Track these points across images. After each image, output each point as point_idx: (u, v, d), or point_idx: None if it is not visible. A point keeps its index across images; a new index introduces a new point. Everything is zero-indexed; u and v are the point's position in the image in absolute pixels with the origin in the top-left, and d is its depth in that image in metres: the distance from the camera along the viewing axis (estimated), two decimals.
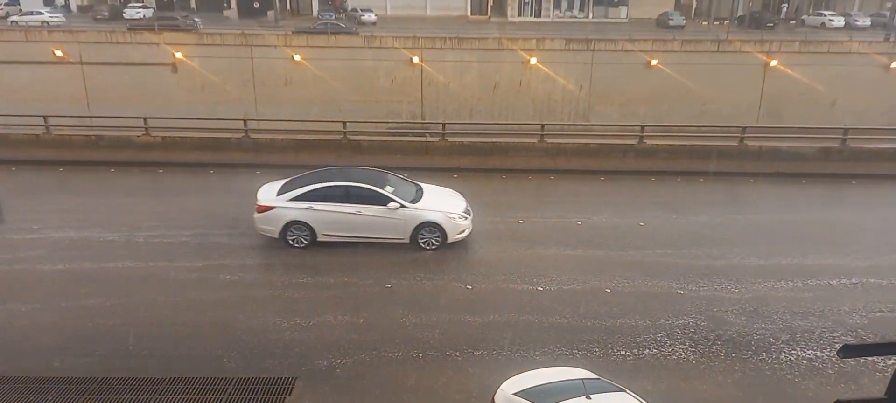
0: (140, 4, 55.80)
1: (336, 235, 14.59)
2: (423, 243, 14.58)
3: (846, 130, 22.19)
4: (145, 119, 22.61)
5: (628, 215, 17.06)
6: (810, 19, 55.51)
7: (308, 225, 14.43)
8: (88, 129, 23.56)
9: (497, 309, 12.30)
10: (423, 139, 22.86)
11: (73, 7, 58.28)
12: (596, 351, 11.08)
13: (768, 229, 16.39)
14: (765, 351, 11.13)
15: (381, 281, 13.33)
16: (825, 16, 54.69)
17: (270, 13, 55.99)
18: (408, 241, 14.55)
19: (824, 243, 15.47)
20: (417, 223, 14.42)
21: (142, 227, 15.74)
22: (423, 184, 15.69)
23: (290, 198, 14.45)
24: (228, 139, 22.36)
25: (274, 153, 21.74)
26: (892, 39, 44.20)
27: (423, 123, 38.95)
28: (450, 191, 16.00)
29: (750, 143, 22.09)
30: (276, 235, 14.55)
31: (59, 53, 40.96)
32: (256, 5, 58.95)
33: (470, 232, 14.97)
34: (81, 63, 41.58)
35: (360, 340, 11.24)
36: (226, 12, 59.06)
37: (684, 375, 10.54)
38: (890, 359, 10.50)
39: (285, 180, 15.35)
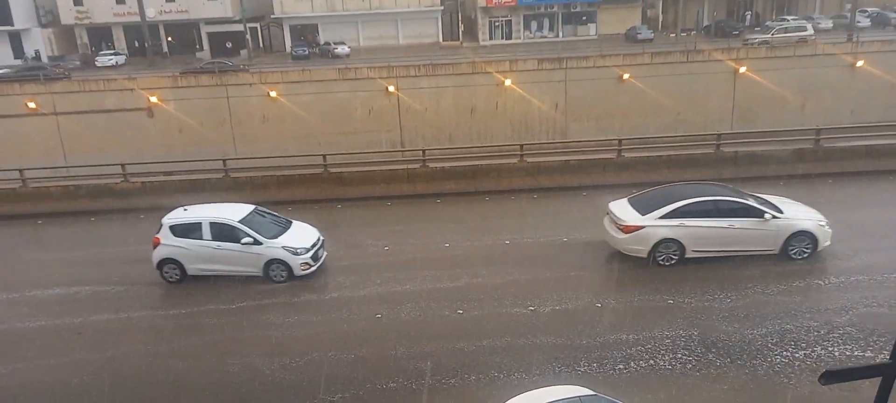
0: (111, 52, 55.51)
1: (705, 251, 14.46)
2: (794, 253, 14.41)
3: (819, 131, 22.65)
4: (123, 165, 22.40)
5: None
6: (774, 25, 56.85)
7: (678, 242, 14.32)
8: (65, 180, 23.28)
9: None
10: (405, 167, 22.90)
11: (44, 58, 57.79)
12: (593, 367, 11.09)
13: None
14: (758, 357, 11.22)
15: None
16: (788, 21, 56.06)
17: (243, 52, 56.06)
18: (777, 253, 14.41)
19: None
20: (790, 233, 14.30)
21: (128, 277, 15.51)
22: (769, 197, 15.53)
23: (660, 216, 14.36)
24: (208, 179, 22.21)
25: (255, 191, 21.61)
26: (855, 40, 45.39)
27: (403, 151, 39.07)
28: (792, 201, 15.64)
29: (726, 150, 22.45)
30: (644, 255, 14.43)
31: (32, 105, 40.53)
32: (229, 46, 58.97)
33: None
34: (55, 113, 41.17)
35: None
36: (198, 54, 58.97)
37: (681, 385, 10.59)
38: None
39: (631, 197, 15.47)
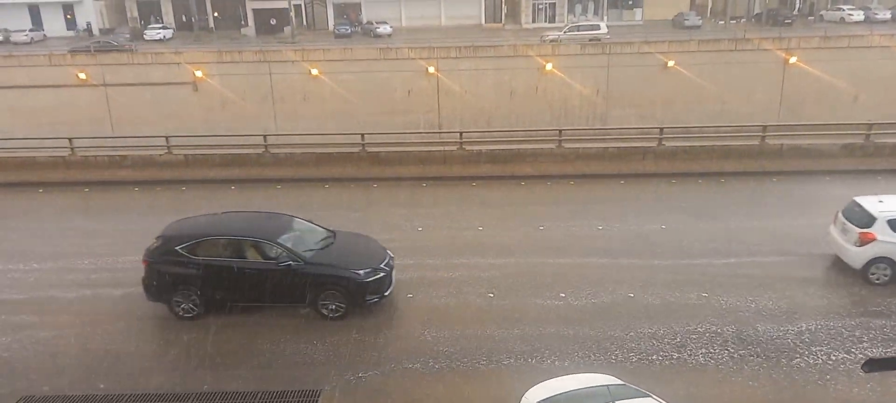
0: (160, 26, 56.75)
1: None
2: None
3: (870, 125, 21.83)
4: (167, 138, 23.00)
5: (650, 219, 16.91)
6: (829, 14, 54.76)
7: None
8: (112, 150, 23.99)
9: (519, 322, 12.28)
10: (442, 148, 22.92)
11: (95, 30, 59.49)
12: (630, 359, 11.02)
13: (794, 232, 15.93)
14: (797, 357, 10.97)
15: None
16: (844, 10, 53.90)
17: (287, 29, 56.65)
18: None
19: None
20: None
21: None
22: None
23: None
24: (249, 155, 22.63)
25: (294, 167, 21.96)
26: None
27: (440, 133, 39.03)
28: None
29: (771, 142, 21.82)
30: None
31: (82, 76, 41.81)
32: (273, 22, 59.66)
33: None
34: (104, 85, 42.40)
35: None
36: (243, 30, 59.86)
37: (713, 380, 10.44)
38: None
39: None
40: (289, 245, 12.25)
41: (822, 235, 14.71)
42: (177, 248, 12.17)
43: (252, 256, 12.23)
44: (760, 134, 22.19)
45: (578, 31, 47.20)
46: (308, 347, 11.56)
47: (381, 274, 12.31)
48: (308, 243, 12.60)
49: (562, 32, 46.97)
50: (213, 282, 12.12)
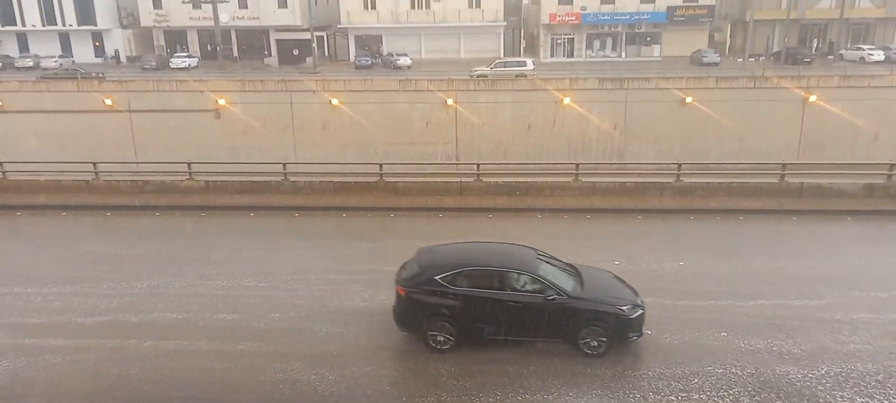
0: (185, 54, 58.09)
1: None
2: None
3: (892, 165, 21.59)
4: (189, 164, 23.38)
5: (669, 256, 16.77)
6: (849, 54, 54.61)
7: None
8: (135, 175, 24.43)
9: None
10: (459, 180, 23.04)
11: (123, 58, 61.03)
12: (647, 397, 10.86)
13: (819, 273, 15.61)
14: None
15: None
16: (864, 50, 53.74)
17: (309, 60, 57.69)
18: None
19: (881, 284, 14.86)
20: None
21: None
22: None
23: None
24: (268, 182, 22.91)
25: (312, 195, 22.17)
26: None
27: (458, 164, 39.26)
28: None
29: (791, 180, 21.66)
30: None
31: (108, 102, 42.82)
32: (296, 53, 60.80)
33: None
34: (129, 111, 43.36)
35: None
36: (266, 60, 61.05)
37: None
38: None
39: None
40: (549, 278, 12.09)
41: (846, 276, 14.45)
42: (437, 278, 12.02)
43: (515, 288, 12.02)
44: (780, 172, 22.04)
45: (506, 67, 48.21)
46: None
47: (641, 311, 12.09)
48: (562, 276, 12.44)
49: (489, 68, 47.72)
50: (474, 314, 11.90)
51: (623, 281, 13.02)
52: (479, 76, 46.31)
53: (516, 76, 46.07)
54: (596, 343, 11.80)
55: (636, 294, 12.49)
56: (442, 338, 12.01)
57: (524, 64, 48.81)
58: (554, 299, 11.76)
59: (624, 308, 11.89)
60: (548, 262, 12.73)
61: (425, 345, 12.13)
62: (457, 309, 11.87)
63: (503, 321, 11.91)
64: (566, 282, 12.21)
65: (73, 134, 42.78)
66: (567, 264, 13.23)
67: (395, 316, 12.34)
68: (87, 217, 21.19)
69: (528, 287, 11.94)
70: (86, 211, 21.62)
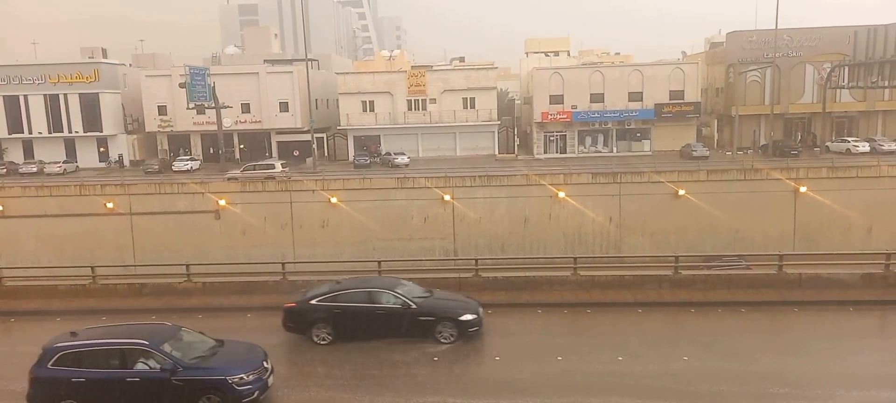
0: (188, 157, 59.28)
1: None
2: None
3: (889, 255, 21.73)
4: (187, 266, 23.39)
5: (672, 353, 16.51)
6: (834, 146, 56.01)
7: None
8: (133, 278, 24.40)
9: None
10: (457, 275, 23.03)
11: (126, 162, 62.23)
12: None
13: (826, 371, 15.28)
14: None
15: None
16: (849, 142, 55.18)
17: (309, 160, 58.89)
18: None
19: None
20: None
21: None
22: None
23: None
24: (266, 282, 22.85)
25: None
26: None
27: (456, 259, 39.32)
28: None
29: (789, 271, 21.72)
30: None
31: (110, 205, 43.31)
32: (296, 153, 62.14)
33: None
34: (130, 214, 43.78)
35: None
36: (267, 160, 62.27)
37: None
38: None
39: None
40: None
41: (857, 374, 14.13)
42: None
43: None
44: (777, 263, 22.14)
45: (255, 170, 49.11)
46: None
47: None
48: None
49: (240, 171, 48.98)
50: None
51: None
52: (230, 179, 47.10)
53: (266, 178, 46.76)
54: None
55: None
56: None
57: (273, 166, 49.83)
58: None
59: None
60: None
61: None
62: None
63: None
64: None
65: (74, 236, 43.01)
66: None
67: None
68: (82, 323, 20.93)
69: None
70: (82, 316, 21.38)
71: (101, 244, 42.47)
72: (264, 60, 68.21)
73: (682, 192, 42.05)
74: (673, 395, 14.24)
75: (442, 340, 17.29)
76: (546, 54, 79.98)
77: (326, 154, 64.51)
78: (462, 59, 79.50)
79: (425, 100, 62.53)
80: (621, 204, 42.78)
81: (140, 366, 13.55)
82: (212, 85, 55.70)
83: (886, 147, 53.85)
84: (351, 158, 60.65)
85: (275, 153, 62.62)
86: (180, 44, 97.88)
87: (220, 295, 22.40)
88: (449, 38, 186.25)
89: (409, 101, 62.55)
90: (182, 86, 53.88)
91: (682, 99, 59.90)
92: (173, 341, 14.16)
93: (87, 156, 62.62)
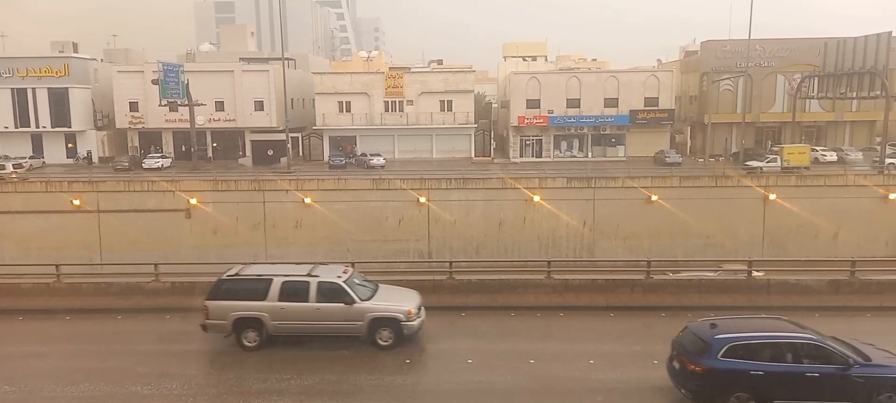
0: (159, 155, 58.20)
1: None
2: None
3: (854, 262, 22.19)
4: (156, 265, 22.90)
5: (644, 359, 16.62)
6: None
7: None
8: (99, 277, 23.80)
9: None
10: (431, 278, 22.92)
11: (96, 158, 60.88)
12: None
13: None
14: None
15: None
16: (817, 151, 56.35)
17: (283, 160, 58.27)
18: None
19: None
20: None
21: None
22: None
23: None
24: None
25: None
26: (886, 172, 45.26)
27: (430, 262, 39.20)
28: None
29: (758, 276, 22.04)
30: None
31: (76, 202, 42.28)
32: (270, 153, 61.43)
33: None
34: (98, 211, 42.80)
35: None
36: (241, 159, 61.46)
37: None
38: None
39: None
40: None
41: None
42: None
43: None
44: (747, 268, 22.46)
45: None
46: None
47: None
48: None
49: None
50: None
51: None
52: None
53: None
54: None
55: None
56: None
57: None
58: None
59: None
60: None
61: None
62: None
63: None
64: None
65: (39, 234, 41.87)
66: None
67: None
68: (46, 321, 20.39)
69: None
70: (46, 314, 20.83)
71: (68, 242, 41.41)
72: (240, 58, 67.29)
73: (654, 198, 42.52)
74: (646, 396, 14.30)
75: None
76: (524, 59, 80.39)
77: (302, 154, 63.89)
78: (440, 62, 79.49)
79: (402, 101, 62.33)
80: (595, 209, 43.10)
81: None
82: (185, 82, 54.79)
83: (852, 156, 55.15)
84: (326, 159, 60.16)
85: (248, 152, 61.84)
86: (155, 39, 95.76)
87: (190, 295, 21.87)
88: (430, 40, 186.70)
89: (387, 103, 62.29)
90: (155, 82, 52.89)
91: (657, 106, 60.68)
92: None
93: (55, 152, 61.11)
